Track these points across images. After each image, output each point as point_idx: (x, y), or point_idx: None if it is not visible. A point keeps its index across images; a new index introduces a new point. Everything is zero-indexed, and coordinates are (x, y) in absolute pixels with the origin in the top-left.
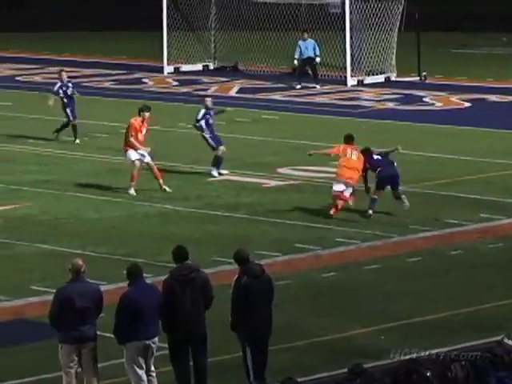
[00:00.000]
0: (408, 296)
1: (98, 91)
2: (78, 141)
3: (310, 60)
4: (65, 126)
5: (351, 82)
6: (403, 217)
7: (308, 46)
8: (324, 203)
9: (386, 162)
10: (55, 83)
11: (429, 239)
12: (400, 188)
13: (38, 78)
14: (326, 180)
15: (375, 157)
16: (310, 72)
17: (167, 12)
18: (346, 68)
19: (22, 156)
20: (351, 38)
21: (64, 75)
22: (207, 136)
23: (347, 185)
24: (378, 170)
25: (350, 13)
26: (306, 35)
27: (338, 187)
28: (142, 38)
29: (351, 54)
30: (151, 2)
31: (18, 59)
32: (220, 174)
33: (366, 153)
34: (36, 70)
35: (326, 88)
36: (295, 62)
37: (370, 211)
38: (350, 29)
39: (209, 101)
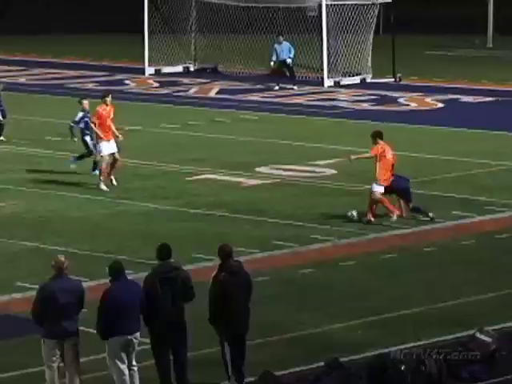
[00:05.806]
0: (383, 292)
1: (83, 92)
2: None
3: (286, 62)
4: None
5: (328, 83)
6: (378, 215)
7: (283, 49)
8: (301, 202)
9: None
10: None
11: (404, 237)
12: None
13: (22, 80)
14: (303, 179)
15: None
16: (287, 73)
17: (148, 15)
18: (322, 70)
19: (6, 156)
20: (328, 40)
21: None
22: (88, 140)
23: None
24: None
25: (327, 16)
26: (281, 38)
27: (380, 189)
28: (123, 40)
29: (328, 56)
30: (132, 5)
31: (2, 61)
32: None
33: None
34: (20, 71)
35: (303, 89)
36: (272, 64)
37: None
38: (327, 31)
39: (86, 103)
